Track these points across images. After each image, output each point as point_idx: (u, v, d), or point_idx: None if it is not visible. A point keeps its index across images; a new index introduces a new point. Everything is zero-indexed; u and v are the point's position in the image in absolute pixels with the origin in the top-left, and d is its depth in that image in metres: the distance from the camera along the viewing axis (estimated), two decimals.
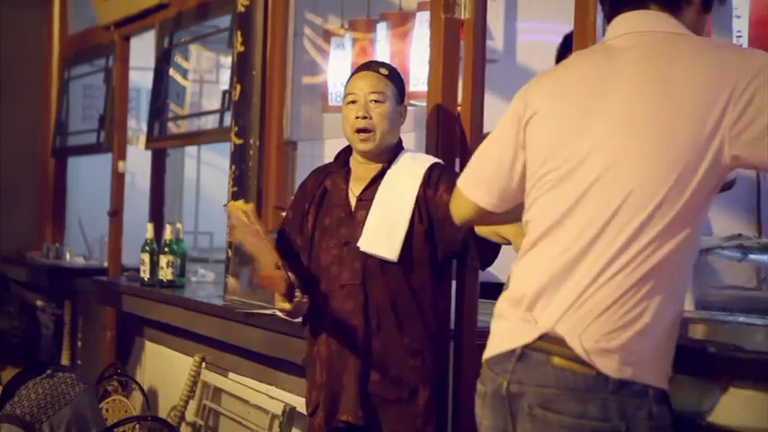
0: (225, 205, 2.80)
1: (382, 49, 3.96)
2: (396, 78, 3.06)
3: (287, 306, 2.88)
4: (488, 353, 2.06)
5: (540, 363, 1.93)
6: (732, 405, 2.07)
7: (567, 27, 3.32)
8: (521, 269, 2.05)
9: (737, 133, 1.83)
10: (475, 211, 2.22)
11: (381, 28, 3.98)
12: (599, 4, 2.15)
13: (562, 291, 1.93)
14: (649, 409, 1.88)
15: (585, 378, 1.88)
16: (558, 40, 3.80)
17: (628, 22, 2.03)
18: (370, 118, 2.98)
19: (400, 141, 3.07)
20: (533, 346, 1.94)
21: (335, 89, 4.21)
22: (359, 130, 2.98)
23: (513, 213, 2.21)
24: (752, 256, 3.02)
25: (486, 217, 2.26)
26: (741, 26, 2.69)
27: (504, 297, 2.08)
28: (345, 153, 3.11)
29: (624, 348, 1.87)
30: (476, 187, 2.20)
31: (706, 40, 2.02)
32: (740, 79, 1.84)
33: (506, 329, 2.02)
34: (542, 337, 1.93)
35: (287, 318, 3.00)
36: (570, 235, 1.94)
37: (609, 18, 2.09)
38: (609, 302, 1.88)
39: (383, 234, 2.90)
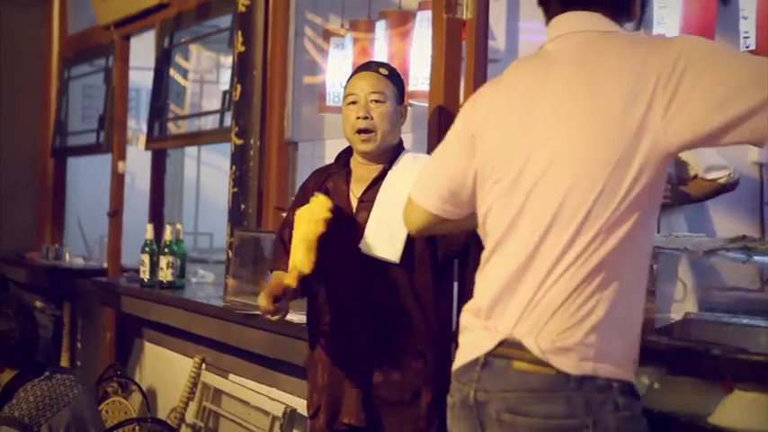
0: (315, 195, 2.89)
1: (381, 49, 3.95)
2: (396, 78, 3.04)
3: (270, 308, 2.85)
4: (455, 365, 2.09)
5: (501, 368, 1.96)
6: (736, 407, 2.08)
7: None
8: (481, 280, 2.08)
9: (670, 120, 1.85)
10: (428, 219, 2.28)
11: (380, 27, 3.97)
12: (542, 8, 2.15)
13: (516, 296, 1.96)
14: (615, 402, 1.89)
15: (547, 378, 1.90)
16: None
17: (562, 23, 2.07)
18: (371, 118, 2.96)
19: (401, 142, 3.06)
20: (495, 352, 1.97)
21: (334, 89, 4.20)
22: (360, 131, 2.96)
23: (468, 221, 2.23)
24: (756, 258, 3.00)
25: (439, 224, 2.30)
26: (748, 27, 2.68)
27: (466, 308, 2.10)
28: (346, 154, 3.10)
29: (580, 344, 1.89)
30: (428, 195, 2.25)
31: (631, 35, 2.03)
32: (663, 69, 1.86)
33: (471, 340, 2.05)
34: (502, 344, 1.97)
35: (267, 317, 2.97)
36: (519, 240, 1.97)
37: (548, 21, 2.11)
38: (560, 301, 1.90)
39: (385, 235, 2.89)
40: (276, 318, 2.88)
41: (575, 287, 1.89)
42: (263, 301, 2.84)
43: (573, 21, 2.05)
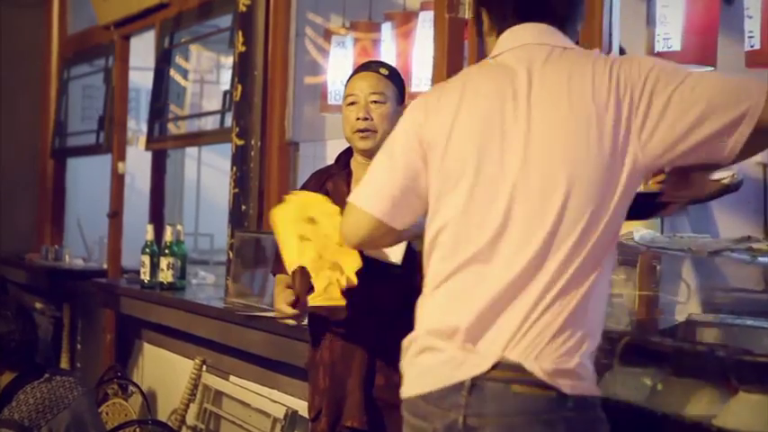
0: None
1: (387, 49, 3.94)
2: (396, 78, 3.03)
3: (290, 311, 2.83)
4: (424, 388, 2.00)
5: (498, 392, 1.91)
6: (741, 409, 2.06)
7: None
8: (446, 298, 2.00)
9: (645, 142, 1.89)
10: (371, 227, 2.16)
11: (386, 28, 3.96)
12: (484, 19, 2.13)
13: (505, 317, 1.92)
14: (599, 418, 1.93)
15: (547, 400, 1.89)
16: None
17: (519, 34, 2.04)
18: (371, 119, 2.94)
19: None
20: (487, 376, 1.92)
21: (335, 88, 4.19)
22: (359, 131, 2.95)
23: (414, 231, 2.17)
24: (761, 259, 2.98)
25: (379, 236, 2.19)
26: (753, 26, 2.66)
27: (427, 329, 2.02)
28: (346, 155, 3.09)
29: (579, 366, 1.90)
30: (376, 199, 2.13)
31: (594, 54, 2.04)
32: (634, 89, 1.89)
33: (442, 362, 1.97)
34: (496, 367, 1.91)
35: (287, 320, 2.96)
36: (503, 259, 1.93)
37: (499, 31, 2.08)
38: (559, 323, 1.89)
39: None
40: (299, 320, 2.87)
41: (572, 309, 1.89)
42: (288, 309, 2.81)
43: (531, 33, 2.04)
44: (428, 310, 2.04)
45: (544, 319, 1.89)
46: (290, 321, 2.87)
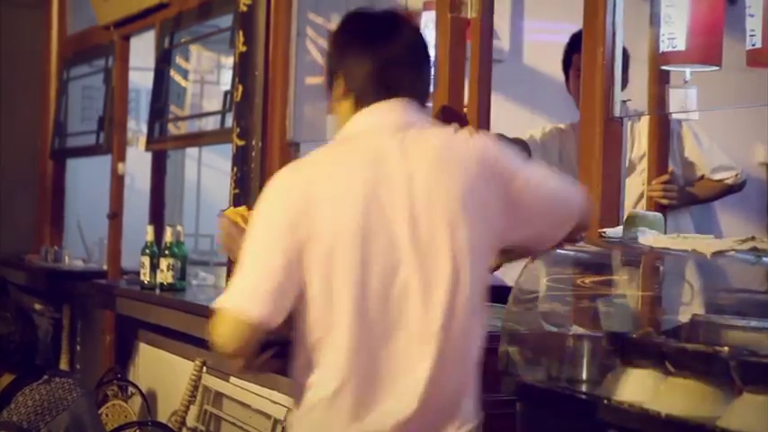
0: (221, 213, 2.65)
1: None
2: None
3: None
4: None
5: None
6: (745, 410, 2.04)
7: (575, 26, 3.28)
8: (333, 367, 2.04)
9: (499, 220, 2.07)
10: (252, 333, 2.00)
11: None
12: (339, 83, 2.12)
13: (401, 379, 2.00)
14: None
15: None
16: (566, 39, 3.77)
17: (383, 110, 2.06)
18: None
19: None
20: None
21: None
22: None
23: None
24: (765, 260, 2.97)
25: (258, 336, 2.03)
26: (755, 25, 2.64)
27: (318, 395, 2.07)
28: None
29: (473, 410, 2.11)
30: (254, 302, 1.98)
31: (450, 131, 2.12)
32: (487, 171, 2.04)
33: (332, 424, 2.03)
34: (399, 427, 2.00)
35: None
36: (392, 321, 2.00)
37: (357, 103, 2.08)
38: (454, 380, 2.04)
39: None
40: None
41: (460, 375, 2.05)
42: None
43: (393, 109, 2.06)
44: (322, 373, 2.11)
45: (442, 377, 2.04)
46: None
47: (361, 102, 2.07)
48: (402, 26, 2.11)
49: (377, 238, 1.98)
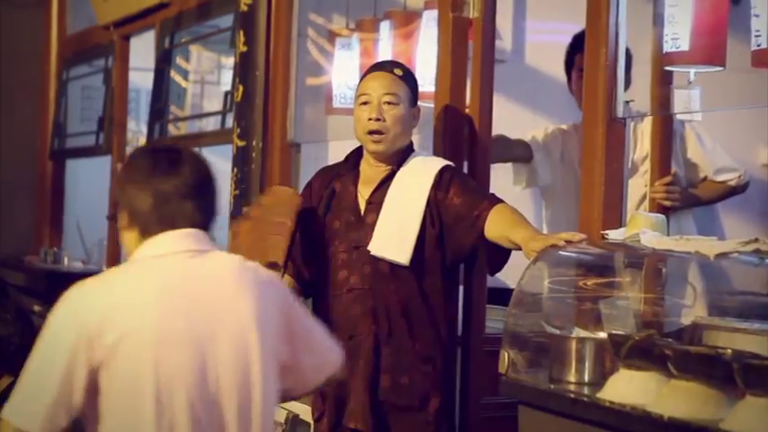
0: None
1: (385, 49, 3.91)
2: (410, 79, 3.02)
3: None
4: None
5: None
6: (748, 413, 2.04)
7: (578, 27, 3.28)
8: None
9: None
10: None
11: (385, 27, 3.94)
12: (124, 215, 2.22)
13: None
14: None
15: None
16: (568, 40, 3.76)
17: (177, 239, 2.18)
18: (384, 120, 2.93)
19: (411, 144, 3.05)
20: None
21: (340, 91, 4.18)
22: (371, 132, 2.93)
23: None
24: None
25: None
26: (760, 26, 2.63)
27: None
28: (356, 155, 3.08)
29: None
30: (34, 415, 2.08)
31: (231, 257, 2.30)
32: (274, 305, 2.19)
33: None
34: None
35: None
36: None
37: (143, 233, 2.19)
38: None
39: (394, 237, 2.88)
40: None
41: None
42: None
43: (185, 237, 2.17)
44: None
45: None
46: None
47: (146, 233, 2.19)
48: (183, 161, 2.26)
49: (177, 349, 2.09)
